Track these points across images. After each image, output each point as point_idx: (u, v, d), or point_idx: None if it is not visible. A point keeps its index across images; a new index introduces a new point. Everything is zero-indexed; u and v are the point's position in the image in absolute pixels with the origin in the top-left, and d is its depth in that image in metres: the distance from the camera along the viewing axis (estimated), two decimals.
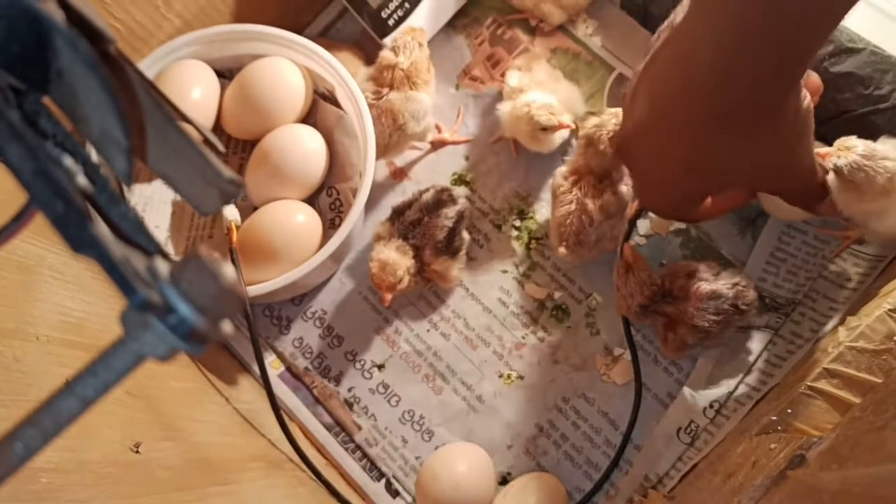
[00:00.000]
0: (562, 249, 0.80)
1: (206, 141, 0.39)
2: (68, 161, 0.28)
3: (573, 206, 0.79)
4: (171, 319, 0.26)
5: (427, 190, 0.83)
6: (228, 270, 0.27)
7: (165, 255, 0.29)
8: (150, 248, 0.29)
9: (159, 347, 0.26)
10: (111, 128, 0.27)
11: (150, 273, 0.26)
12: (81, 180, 0.28)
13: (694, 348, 0.77)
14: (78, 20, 0.29)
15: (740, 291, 0.75)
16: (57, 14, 0.27)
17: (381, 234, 0.83)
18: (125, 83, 0.29)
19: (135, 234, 0.28)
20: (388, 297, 0.80)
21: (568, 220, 0.79)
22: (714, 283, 0.75)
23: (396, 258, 0.79)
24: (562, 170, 0.82)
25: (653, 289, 0.76)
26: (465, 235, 0.85)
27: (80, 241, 0.25)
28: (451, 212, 0.81)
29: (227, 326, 0.27)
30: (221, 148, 0.40)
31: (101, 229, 0.26)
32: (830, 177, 0.73)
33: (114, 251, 0.25)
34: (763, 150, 0.56)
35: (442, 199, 0.82)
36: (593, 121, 0.78)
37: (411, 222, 0.81)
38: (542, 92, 0.84)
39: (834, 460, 0.41)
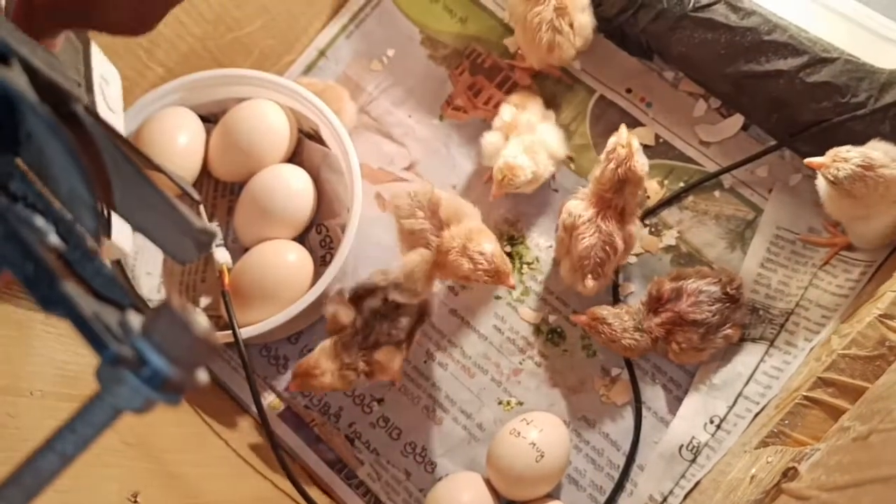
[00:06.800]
0: (589, 282, 0.78)
1: (182, 190, 0.40)
2: (39, 221, 0.29)
3: (595, 239, 0.78)
4: (145, 372, 0.26)
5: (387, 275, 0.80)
6: (200, 319, 0.27)
7: (139, 308, 0.29)
8: (123, 301, 0.29)
9: (135, 400, 0.27)
10: (77, 187, 0.27)
11: (123, 327, 0.27)
12: (53, 239, 0.29)
13: (704, 350, 0.78)
14: (45, 82, 0.30)
15: (726, 280, 0.78)
16: (20, 79, 0.27)
17: (325, 349, 0.80)
18: (91, 141, 0.30)
19: (108, 289, 0.29)
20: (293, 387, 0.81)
21: (592, 253, 0.78)
22: (699, 281, 0.78)
23: (324, 363, 0.79)
24: (578, 203, 0.80)
25: (634, 340, 0.78)
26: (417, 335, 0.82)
27: (50, 299, 0.26)
28: (407, 316, 0.80)
29: (202, 375, 0.28)
30: (197, 197, 0.40)
31: (72, 287, 0.26)
32: (823, 185, 0.73)
33: (84, 308, 0.26)
34: None
35: (399, 303, 0.79)
36: (639, 162, 0.77)
37: (373, 311, 0.79)
38: (516, 147, 0.82)
39: (823, 471, 0.42)
